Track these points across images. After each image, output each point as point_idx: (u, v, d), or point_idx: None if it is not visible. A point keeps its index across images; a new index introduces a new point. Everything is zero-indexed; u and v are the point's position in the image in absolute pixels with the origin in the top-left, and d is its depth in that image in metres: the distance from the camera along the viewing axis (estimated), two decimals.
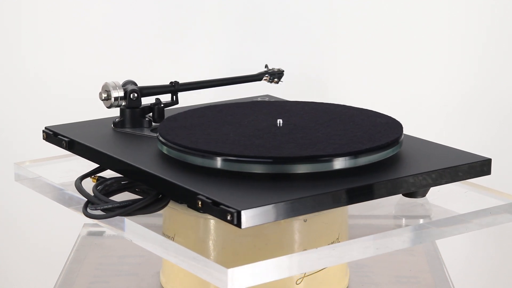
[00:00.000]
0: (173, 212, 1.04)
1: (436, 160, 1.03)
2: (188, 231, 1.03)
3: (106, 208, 0.99)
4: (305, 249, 1.00)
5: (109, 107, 1.17)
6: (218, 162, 0.98)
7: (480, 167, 1.03)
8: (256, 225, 0.88)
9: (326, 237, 1.03)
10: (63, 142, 1.14)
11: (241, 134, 1.05)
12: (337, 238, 1.04)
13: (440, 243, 1.29)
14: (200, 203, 0.91)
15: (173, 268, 1.09)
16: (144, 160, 1.03)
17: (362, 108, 1.16)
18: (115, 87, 1.16)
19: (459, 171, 1.02)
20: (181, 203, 1.02)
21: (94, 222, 1.03)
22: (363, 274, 1.18)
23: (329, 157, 0.97)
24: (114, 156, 1.05)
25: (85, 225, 1.34)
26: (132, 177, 1.04)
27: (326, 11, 1.74)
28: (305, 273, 1.03)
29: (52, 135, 1.16)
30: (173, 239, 1.05)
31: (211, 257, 1.01)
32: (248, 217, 0.87)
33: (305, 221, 1.01)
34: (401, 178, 0.97)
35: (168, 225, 1.06)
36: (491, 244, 1.83)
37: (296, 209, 0.90)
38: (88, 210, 0.99)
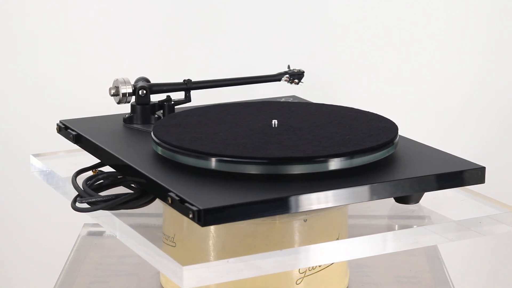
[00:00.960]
0: (173, 212, 1.04)
1: (426, 166, 1.00)
2: (188, 231, 1.03)
3: (90, 201, 0.99)
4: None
5: (118, 103, 1.17)
6: (197, 161, 0.98)
7: (473, 175, 1.00)
8: (220, 224, 0.87)
9: (326, 237, 1.03)
10: (71, 135, 1.14)
11: (230, 134, 1.05)
12: (337, 238, 1.04)
13: (440, 244, 1.29)
14: (170, 200, 0.91)
15: None
16: (135, 156, 1.03)
17: (366, 111, 1.14)
18: (124, 83, 1.17)
19: (450, 179, 0.99)
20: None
21: (94, 222, 1.03)
22: (363, 274, 1.18)
23: (298, 160, 0.95)
24: (108, 150, 1.06)
25: (85, 225, 1.34)
26: (123, 172, 1.04)
27: (326, 11, 1.74)
28: (305, 273, 1.03)
29: (63, 129, 1.17)
30: (173, 239, 1.04)
31: (211, 257, 1.01)
32: (209, 216, 0.87)
33: (305, 221, 1.01)
34: (376, 184, 0.95)
35: (168, 225, 1.06)
36: (491, 244, 1.83)
37: (262, 211, 0.89)
38: (76, 203, 1.00)
